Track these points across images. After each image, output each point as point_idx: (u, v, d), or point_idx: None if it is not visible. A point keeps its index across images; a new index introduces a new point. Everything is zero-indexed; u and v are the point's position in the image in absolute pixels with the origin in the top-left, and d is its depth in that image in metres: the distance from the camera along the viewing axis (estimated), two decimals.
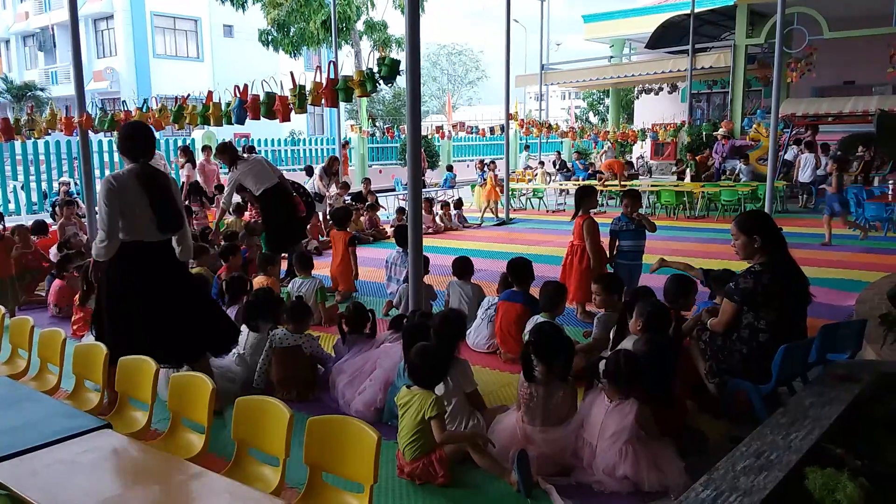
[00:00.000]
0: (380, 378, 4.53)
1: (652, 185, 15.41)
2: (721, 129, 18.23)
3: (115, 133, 13.22)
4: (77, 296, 6.67)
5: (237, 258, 7.61)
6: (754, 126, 17.37)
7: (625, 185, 14.48)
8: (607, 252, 6.77)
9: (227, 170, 8.42)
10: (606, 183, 15.88)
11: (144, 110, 8.30)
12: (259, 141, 21.39)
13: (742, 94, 19.09)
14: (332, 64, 6.62)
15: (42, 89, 35.91)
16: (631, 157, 20.03)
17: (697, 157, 17.09)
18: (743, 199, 13.73)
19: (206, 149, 14.40)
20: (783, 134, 15.88)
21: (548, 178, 19.00)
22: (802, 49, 17.40)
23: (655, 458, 3.50)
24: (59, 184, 15.13)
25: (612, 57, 26.58)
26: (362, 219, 12.36)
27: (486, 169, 16.41)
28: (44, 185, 16.67)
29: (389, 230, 12.22)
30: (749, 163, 15.98)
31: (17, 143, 14.99)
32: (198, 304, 4.65)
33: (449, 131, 22.40)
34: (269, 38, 27.05)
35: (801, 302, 4.28)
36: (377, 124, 23.74)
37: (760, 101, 21.83)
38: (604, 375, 3.70)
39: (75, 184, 14.52)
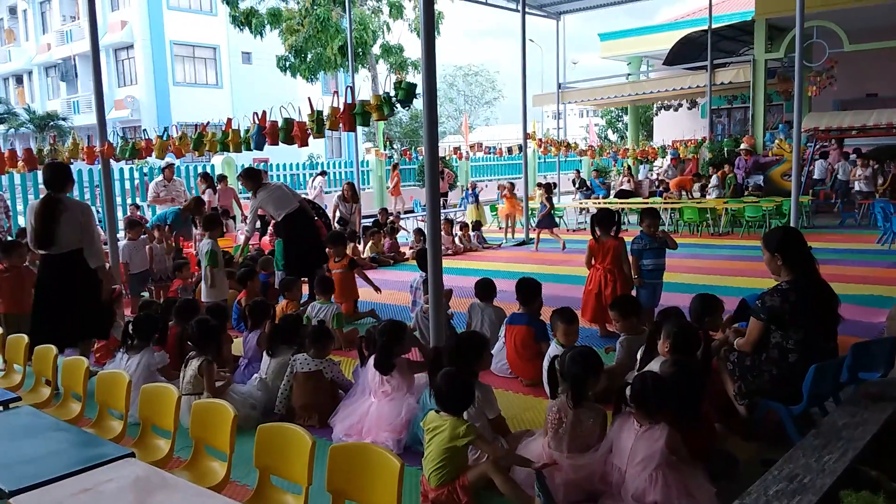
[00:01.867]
0: (389, 438, 4.39)
1: (674, 202, 15.27)
2: (743, 145, 18.06)
3: (137, 161, 13.42)
4: None
5: (255, 283, 7.63)
6: (776, 142, 17.17)
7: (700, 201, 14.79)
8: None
9: (247, 195, 8.45)
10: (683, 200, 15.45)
11: (165, 138, 8.37)
12: (277, 166, 21.48)
13: (763, 108, 18.92)
14: (349, 89, 6.65)
15: (64, 119, 36.39)
16: (651, 174, 19.89)
17: (719, 173, 16.80)
18: (767, 216, 13.58)
19: (221, 178, 14.59)
20: (806, 149, 15.69)
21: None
22: (823, 62, 17.25)
23: (686, 483, 3.41)
24: None
25: (629, 74, 26.54)
26: (382, 241, 12.37)
27: (476, 189, 17.33)
28: None
29: (408, 252, 12.21)
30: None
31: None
32: (84, 302, 5.65)
33: (466, 152, 22.41)
34: (287, 63, 27.33)
35: (830, 322, 4.20)
36: (395, 146, 23.69)
37: (782, 116, 21.65)
38: (631, 399, 3.63)
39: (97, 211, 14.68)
